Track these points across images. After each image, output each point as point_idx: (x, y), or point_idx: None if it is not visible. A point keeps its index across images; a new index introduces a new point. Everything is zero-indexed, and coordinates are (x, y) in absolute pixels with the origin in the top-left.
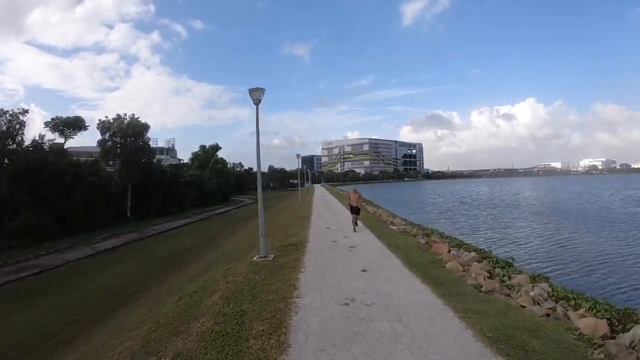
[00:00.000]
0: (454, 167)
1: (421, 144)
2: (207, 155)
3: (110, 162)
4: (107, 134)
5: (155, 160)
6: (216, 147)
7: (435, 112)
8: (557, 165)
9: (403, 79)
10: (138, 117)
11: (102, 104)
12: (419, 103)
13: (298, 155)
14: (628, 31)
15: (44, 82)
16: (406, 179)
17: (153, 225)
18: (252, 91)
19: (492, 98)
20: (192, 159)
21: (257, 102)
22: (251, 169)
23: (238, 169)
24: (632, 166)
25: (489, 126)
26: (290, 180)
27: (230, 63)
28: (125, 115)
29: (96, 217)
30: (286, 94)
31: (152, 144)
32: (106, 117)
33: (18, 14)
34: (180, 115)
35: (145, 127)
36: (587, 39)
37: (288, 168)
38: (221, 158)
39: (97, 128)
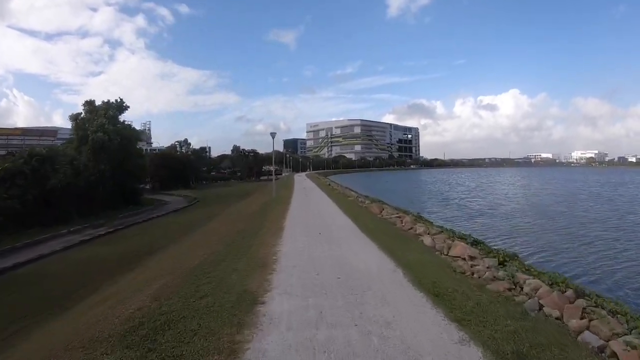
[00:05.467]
0: (439, 156)
1: (417, 129)
2: (96, 119)
3: None
4: None
5: None
6: (118, 106)
7: (418, 101)
8: (547, 156)
9: (389, 66)
10: None
11: (85, 89)
12: (404, 91)
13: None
14: (610, 26)
15: (27, 66)
16: (411, 166)
17: None
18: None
19: (476, 88)
20: (74, 129)
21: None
22: (204, 148)
23: (181, 148)
24: (629, 159)
25: (472, 116)
26: (264, 167)
27: (216, 48)
28: None
29: None
30: (272, 80)
31: None
32: None
33: None
34: (166, 101)
35: None
36: (570, 31)
37: (262, 150)
38: (124, 123)
39: None
